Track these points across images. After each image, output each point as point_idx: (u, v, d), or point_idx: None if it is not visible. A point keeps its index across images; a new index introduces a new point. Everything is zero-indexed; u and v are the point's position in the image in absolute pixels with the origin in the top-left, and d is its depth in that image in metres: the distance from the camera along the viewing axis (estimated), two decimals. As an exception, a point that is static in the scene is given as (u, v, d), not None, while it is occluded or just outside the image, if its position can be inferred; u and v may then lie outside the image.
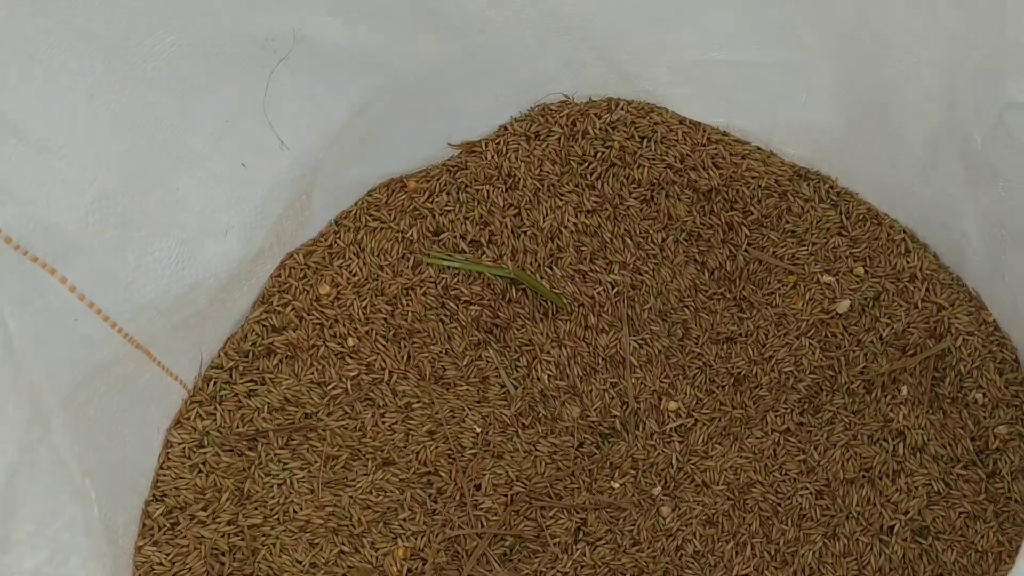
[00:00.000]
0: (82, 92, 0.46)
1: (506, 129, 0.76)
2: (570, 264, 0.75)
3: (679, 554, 0.69)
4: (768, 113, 0.72)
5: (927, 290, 0.74)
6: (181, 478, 0.64)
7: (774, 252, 0.76)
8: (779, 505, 0.71)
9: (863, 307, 0.74)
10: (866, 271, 0.75)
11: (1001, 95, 0.54)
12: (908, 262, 0.75)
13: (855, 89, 0.66)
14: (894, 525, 0.69)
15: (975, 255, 0.71)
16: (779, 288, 0.75)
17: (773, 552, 0.70)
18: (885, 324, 0.74)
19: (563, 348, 0.73)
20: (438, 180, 0.75)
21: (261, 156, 0.57)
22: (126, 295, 0.51)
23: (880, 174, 0.74)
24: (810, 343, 0.74)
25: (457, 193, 0.75)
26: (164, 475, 0.64)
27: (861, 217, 0.76)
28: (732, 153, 0.77)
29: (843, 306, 0.75)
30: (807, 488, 0.71)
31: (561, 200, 0.75)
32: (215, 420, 0.66)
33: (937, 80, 0.59)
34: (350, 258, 0.72)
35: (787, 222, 0.76)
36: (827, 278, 0.76)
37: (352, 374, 0.70)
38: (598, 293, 0.74)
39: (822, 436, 0.72)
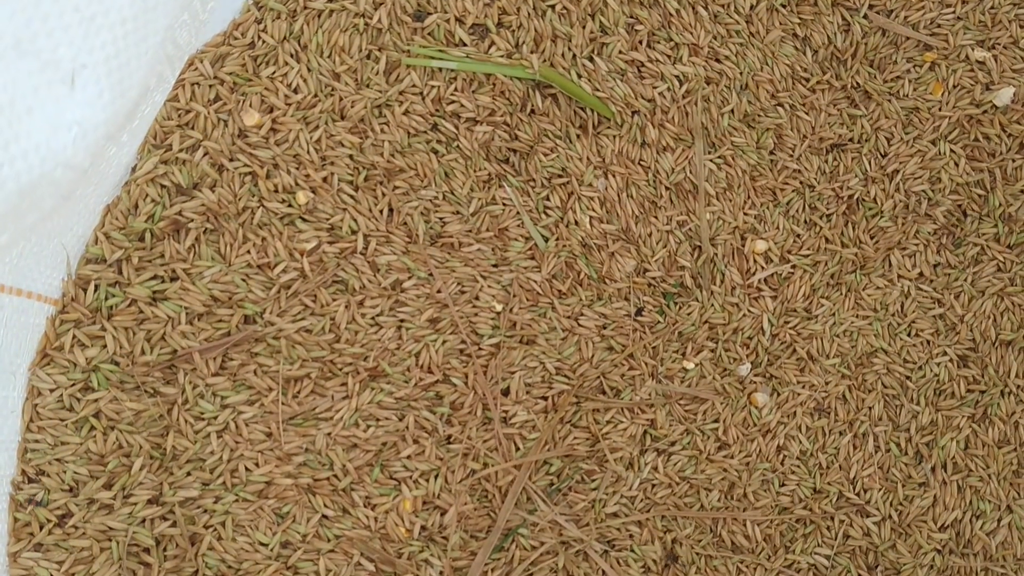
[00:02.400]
0: None
1: None
2: (620, 53, 0.50)
3: (781, 456, 0.51)
4: None
5: None
6: (63, 443, 0.42)
7: (906, 17, 0.52)
8: (909, 379, 0.52)
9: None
10: None
11: None
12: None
13: None
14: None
15: None
16: (910, 71, 0.52)
17: (903, 443, 0.52)
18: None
19: (611, 176, 0.50)
20: (412, -75, 0.48)
21: None
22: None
23: None
24: (952, 150, 0.52)
25: (446, -55, 0.48)
26: (36, 442, 0.42)
27: None
28: None
29: (1004, 96, 0.52)
30: (947, 354, 0.52)
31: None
32: (105, 346, 0.43)
33: None
34: (286, 63, 0.46)
35: None
36: (980, 53, 0.52)
37: (310, 245, 0.46)
38: (660, 94, 0.50)
39: (967, 281, 0.52)
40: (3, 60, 0.29)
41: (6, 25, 0.28)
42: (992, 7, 0.52)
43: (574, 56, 0.49)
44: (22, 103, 0.29)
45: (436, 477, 0.47)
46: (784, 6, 0.51)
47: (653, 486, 0.50)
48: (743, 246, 0.52)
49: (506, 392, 0.48)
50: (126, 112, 0.35)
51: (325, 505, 0.45)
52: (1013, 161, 0.53)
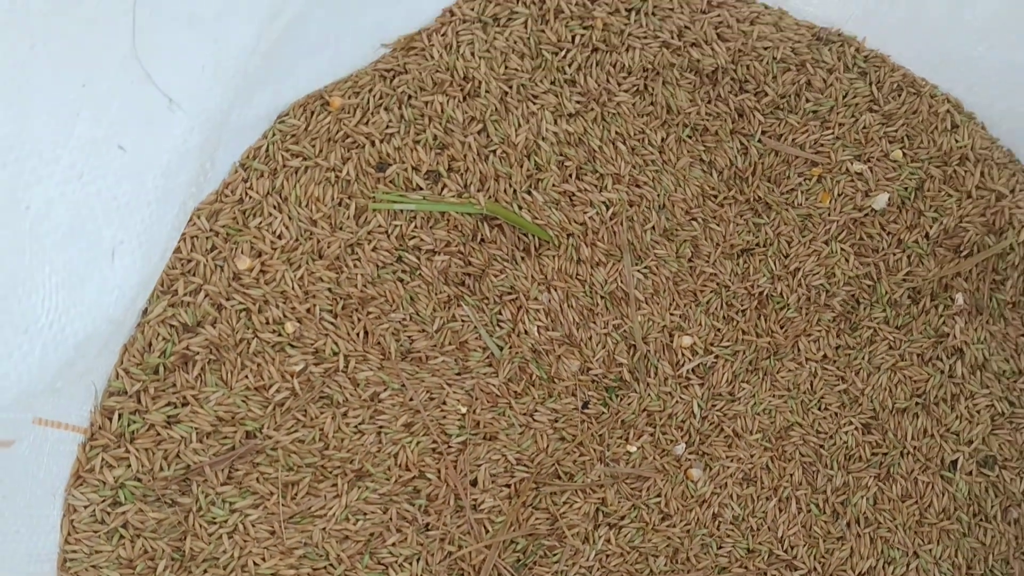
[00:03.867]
0: None
1: (453, 14, 0.58)
2: (553, 186, 0.59)
3: (716, 523, 0.59)
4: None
5: (981, 174, 0.61)
6: (97, 552, 0.49)
7: (793, 140, 0.62)
8: (822, 448, 0.60)
9: (904, 200, 0.62)
10: (905, 154, 0.62)
11: None
12: (956, 140, 0.62)
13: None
14: (956, 458, 0.60)
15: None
16: (801, 184, 0.62)
17: (821, 504, 0.60)
18: (932, 219, 0.61)
19: (553, 291, 0.59)
20: (371, 92, 0.57)
21: (144, 127, 0.38)
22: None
23: (922, 31, 0.59)
24: (842, 248, 0.61)
25: (400, 108, 0.57)
26: (74, 552, 0.48)
27: (895, 87, 0.62)
28: (739, 19, 0.60)
29: (880, 201, 0.62)
30: (852, 423, 0.60)
31: (535, 104, 0.58)
32: (129, 465, 0.50)
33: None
34: (270, 214, 0.55)
35: (807, 100, 0.61)
36: (858, 166, 0.62)
37: (298, 368, 0.54)
38: (590, 218, 0.59)
39: (864, 359, 0.61)
40: (63, 245, 0.37)
41: (63, 217, 0.36)
42: (864, 127, 0.62)
43: (515, 191, 0.58)
44: (77, 277, 0.37)
45: (418, 560, 0.54)
46: (690, 136, 0.61)
47: (607, 556, 0.57)
48: (671, 342, 0.60)
49: (474, 483, 0.56)
50: (151, 272, 0.43)
51: (323, 592, 0.52)
52: (893, 255, 0.62)
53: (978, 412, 0.60)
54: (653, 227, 0.60)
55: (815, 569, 0.59)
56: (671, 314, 0.60)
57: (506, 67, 0.58)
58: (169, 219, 0.43)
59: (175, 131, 0.40)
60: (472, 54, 0.57)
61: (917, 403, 0.61)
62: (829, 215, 0.62)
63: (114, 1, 0.35)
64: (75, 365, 0.40)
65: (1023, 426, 0.60)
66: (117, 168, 0.38)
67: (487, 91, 0.57)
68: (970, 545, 0.59)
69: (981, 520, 0.59)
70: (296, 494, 0.53)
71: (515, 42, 0.58)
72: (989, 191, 0.61)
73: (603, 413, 0.59)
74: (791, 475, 0.60)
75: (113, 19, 0.36)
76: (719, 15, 0.60)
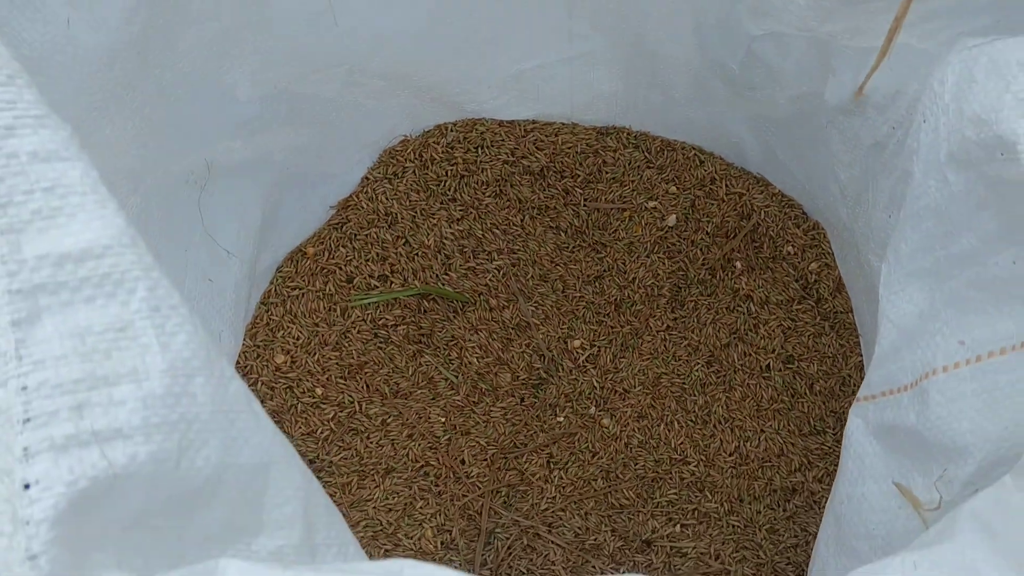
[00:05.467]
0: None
1: (368, 179, 0.91)
2: (460, 265, 0.90)
3: (628, 448, 0.87)
4: (567, 96, 0.90)
5: (726, 185, 0.95)
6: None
7: (605, 199, 0.95)
8: (684, 383, 0.90)
9: (686, 215, 0.94)
10: (677, 188, 0.95)
11: (745, 33, 0.74)
12: (704, 170, 0.95)
13: (627, 58, 0.85)
14: (768, 363, 0.90)
15: (752, 149, 0.92)
16: (620, 224, 0.94)
17: (694, 419, 0.89)
18: (707, 221, 0.94)
19: (479, 332, 0.89)
20: (330, 239, 0.89)
21: (218, 268, 0.69)
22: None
23: (662, 112, 0.94)
24: (659, 257, 0.93)
25: (351, 244, 0.89)
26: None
27: (659, 149, 0.96)
28: (546, 134, 0.94)
29: (671, 220, 0.94)
30: (698, 363, 0.91)
31: (434, 219, 0.91)
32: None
33: (689, 35, 0.79)
34: (288, 327, 0.85)
35: (607, 172, 0.95)
36: (651, 203, 0.95)
37: (330, 416, 0.83)
38: (489, 279, 0.91)
39: (694, 321, 0.92)
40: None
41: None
42: (647, 178, 0.96)
43: (436, 275, 0.90)
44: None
45: (440, 514, 0.82)
46: (539, 214, 0.94)
47: (562, 487, 0.86)
48: (567, 346, 0.91)
49: (462, 462, 0.85)
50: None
51: (384, 543, 0.79)
52: (690, 251, 0.94)
53: (773, 331, 0.91)
54: (532, 276, 0.92)
55: (701, 459, 0.88)
56: (560, 328, 0.91)
57: (409, 200, 0.91)
58: (238, 322, 0.73)
59: (232, 268, 0.71)
60: (386, 198, 0.90)
61: (734, 336, 0.91)
62: (643, 239, 0.94)
63: (188, 199, 0.67)
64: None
65: (803, 331, 0.91)
66: (210, 290, 0.69)
67: (402, 219, 0.90)
68: (795, 416, 0.89)
69: (796, 398, 0.89)
70: (351, 489, 0.81)
71: (411, 185, 0.91)
72: (734, 193, 0.95)
73: (535, 402, 0.88)
74: (669, 406, 0.89)
75: (191, 211, 0.68)
76: (534, 134, 0.94)
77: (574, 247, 0.93)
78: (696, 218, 0.94)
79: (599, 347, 0.90)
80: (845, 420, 0.88)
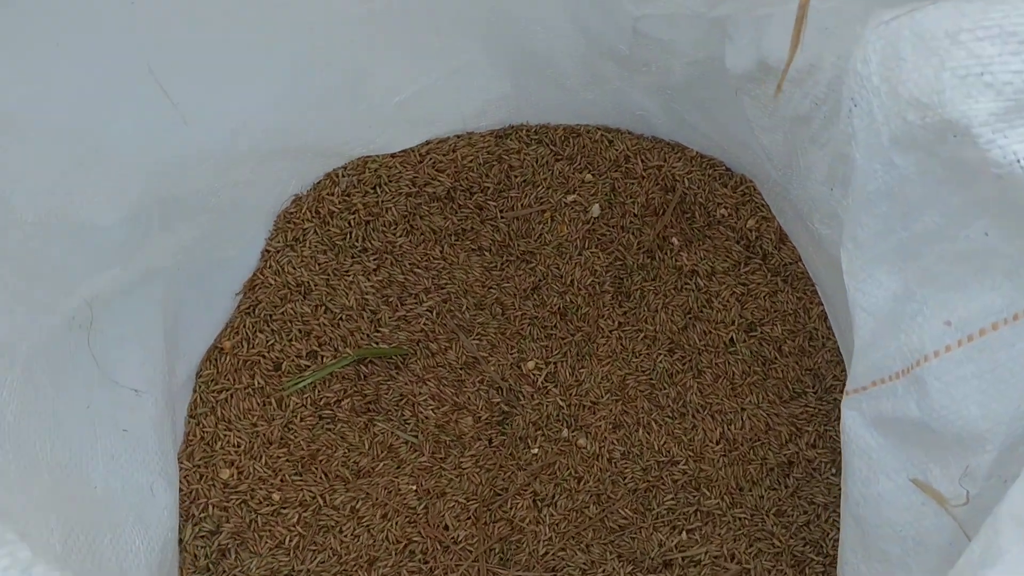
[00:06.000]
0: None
1: (269, 252, 0.83)
2: (390, 318, 0.84)
3: (612, 463, 0.83)
4: (456, 109, 0.83)
5: (642, 161, 0.89)
6: None
7: (521, 204, 0.88)
8: (651, 378, 0.85)
9: (609, 201, 0.89)
10: (593, 175, 0.89)
11: (627, 14, 0.68)
12: (616, 149, 0.90)
13: (510, 59, 0.79)
14: (731, 336, 0.86)
15: (659, 119, 0.86)
16: (544, 227, 0.88)
17: (670, 414, 0.84)
18: (631, 202, 0.89)
19: (427, 382, 0.83)
20: (245, 327, 0.82)
21: (130, 414, 0.62)
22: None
23: (558, 102, 0.87)
24: (592, 252, 0.88)
25: (268, 327, 0.82)
26: None
27: (563, 138, 0.90)
28: (443, 153, 0.88)
29: (595, 210, 0.89)
30: (660, 353, 0.86)
31: (349, 276, 0.84)
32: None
33: (568, 26, 0.72)
34: (225, 435, 0.78)
35: (516, 175, 0.89)
36: (570, 197, 0.89)
37: (294, 520, 0.77)
38: (424, 324, 0.84)
39: (645, 310, 0.87)
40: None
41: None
42: (559, 172, 0.90)
43: (367, 334, 0.83)
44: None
45: (436, 592, 0.76)
46: (457, 240, 0.87)
47: (558, 523, 0.81)
48: (522, 370, 0.85)
49: (446, 527, 0.79)
50: (174, 505, 0.66)
51: (387, 643, 0.74)
52: (623, 237, 0.89)
53: (726, 300, 0.87)
54: (466, 307, 0.86)
55: (688, 456, 0.83)
56: (510, 354, 0.85)
57: (318, 264, 0.84)
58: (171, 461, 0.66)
59: (147, 404, 0.64)
60: (293, 268, 0.83)
61: (690, 317, 0.87)
62: (571, 237, 0.88)
63: (78, 347, 0.60)
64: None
65: (756, 291, 0.87)
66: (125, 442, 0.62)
67: (316, 285, 0.83)
68: (771, 384, 0.85)
69: (768, 365, 0.85)
70: (336, 594, 0.75)
71: (315, 247, 0.84)
72: (652, 167, 0.89)
73: (505, 439, 0.83)
74: (641, 406, 0.85)
75: (83, 360, 0.60)
76: (431, 156, 0.87)
77: (502, 264, 0.87)
78: (620, 202, 0.89)
79: (555, 363, 0.85)
80: (821, 377, 0.84)
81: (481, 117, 0.88)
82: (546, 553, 0.79)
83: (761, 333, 0.86)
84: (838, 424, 0.82)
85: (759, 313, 0.86)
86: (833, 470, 0.82)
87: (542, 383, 0.84)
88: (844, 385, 0.83)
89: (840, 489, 0.80)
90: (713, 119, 0.83)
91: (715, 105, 0.81)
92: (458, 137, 0.89)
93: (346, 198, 0.85)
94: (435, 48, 0.74)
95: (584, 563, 0.79)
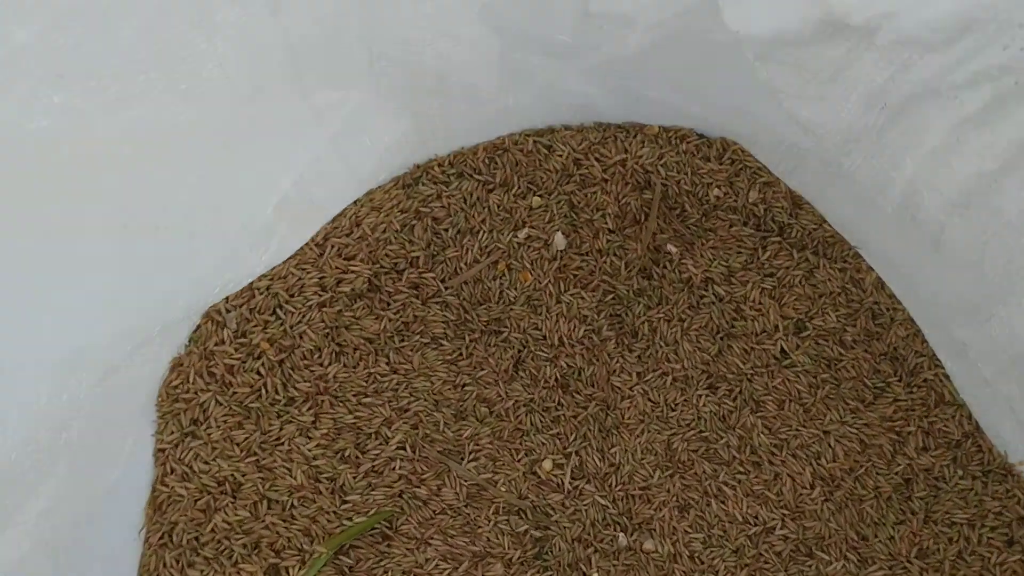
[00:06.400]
0: None
1: (162, 451, 0.59)
2: (354, 480, 0.62)
3: (695, 559, 0.64)
4: (350, 176, 0.60)
5: (597, 159, 0.68)
6: None
7: (464, 264, 0.67)
8: (701, 431, 0.66)
9: (572, 224, 0.68)
10: (540, 196, 0.68)
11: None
12: (558, 155, 0.68)
13: (406, 84, 0.57)
14: (779, 345, 0.67)
15: (602, 102, 0.66)
16: (502, 281, 0.67)
17: (741, 467, 0.65)
18: (601, 216, 0.68)
19: (430, 542, 0.62)
20: (166, 567, 0.58)
21: None
22: None
23: (469, 120, 0.65)
24: (572, 293, 0.67)
25: (198, 555, 0.58)
26: None
27: (486, 160, 0.68)
28: (346, 234, 0.65)
29: (558, 241, 0.68)
30: (701, 394, 0.66)
31: (281, 444, 0.61)
32: None
33: (478, 34, 0.50)
34: None
35: (445, 230, 0.67)
36: (522, 233, 0.68)
37: None
38: (399, 466, 0.62)
39: (662, 346, 0.67)
40: None
41: None
42: (494, 206, 0.68)
43: (335, 516, 0.60)
44: None
45: None
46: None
47: (658, 664, 0.61)
48: (538, 474, 0.64)
49: None
50: None
51: None
52: (605, 263, 0.68)
53: (758, 303, 0.67)
54: (444, 423, 0.64)
55: (783, 515, 0.64)
56: (517, 462, 0.64)
57: (236, 444, 0.60)
58: None
59: None
60: (204, 462, 0.59)
61: (721, 337, 0.67)
62: (539, 283, 0.67)
63: None
64: None
65: (792, 282, 0.67)
66: None
67: (244, 475, 0.59)
68: (847, 389, 0.66)
69: (835, 365, 0.66)
70: None
71: (223, 421, 0.60)
72: (612, 164, 0.68)
73: (551, 575, 0.62)
74: (703, 472, 0.65)
75: None
76: (333, 246, 0.64)
77: (467, 348, 0.65)
78: (587, 220, 0.68)
79: (575, 452, 0.65)
80: (902, 359, 0.66)
81: (379, 171, 0.65)
82: None
83: (814, 330, 0.67)
84: (942, 410, 0.65)
85: (802, 305, 0.67)
86: (960, 472, 0.64)
87: (570, 484, 0.64)
88: (932, 360, 0.66)
89: (978, 496, 0.63)
90: (680, 87, 0.63)
91: (684, 71, 0.60)
92: (357, 208, 0.66)
93: (242, 340, 0.61)
94: (307, 115, 0.50)
95: None
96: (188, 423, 0.60)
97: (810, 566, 0.63)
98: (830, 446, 0.65)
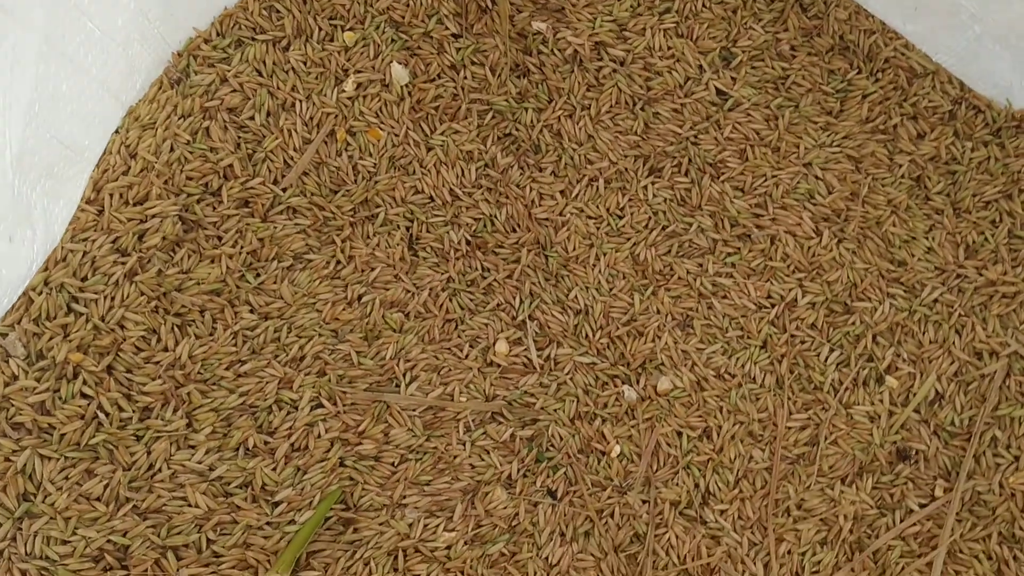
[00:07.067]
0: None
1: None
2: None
3: (718, 372, 0.50)
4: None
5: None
6: None
7: (297, 152, 0.49)
8: (673, 245, 0.51)
9: (405, 46, 0.51)
10: (351, 31, 0.51)
11: None
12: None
13: None
14: (713, 89, 0.52)
15: None
16: (351, 159, 0.50)
17: (743, 259, 0.51)
18: (435, 21, 0.51)
19: (404, 503, 0.46)
20: None
21: None
22: None
23: None
24: (445, 133, 0.51)
25: None
26: None
27: (265, 8, 0.50)
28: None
29: (399, 74, 0.52)
30: (649, 183, 0.52)
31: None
32: None
33: None
34: None
35: (260, 135, 0.49)
36: (348, 83, 0.51)
37: None
38: (327, 438, 0.46)
39: (577, 150, 0.52)
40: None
41: None
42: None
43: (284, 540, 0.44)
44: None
45: None
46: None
47: None
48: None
49: None
50: None
51: None
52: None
53: (670, 48, 0.52)
54: (364, 365, 0.48)
55: (801, 279, 0.51)
56: (466, 361, 0.49)
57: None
58: None
59: None
60: (64, 543, 0.41)
61: (642, 108, 0.52)
62: (398, 133, 0.51)
63: None
64: None
65: (699, 12, 0.53)
66: None
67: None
68: (809, 102, 0.53)
69: (785, 84, 0.53)
70: None
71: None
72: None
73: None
74: (686, 272, 0.51)
75: None
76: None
77: (345, 249, 0.49)
78: (422, 34, 0.52)
79: (528, 315, 0.50)
80: (853, 44, 0.52)
81: (131, 76, 0.46)
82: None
83: (743, 53, 0.53)
84: (919, 84, 0.52)
85: (718, 30, 0.53)
86: (968, 144, 0.52)
87: (539, 358, 0.49)
88: (885, 34, 0.53)
89: (1000, 162, 0.51)
90: None
91: None
92: (122, 132, 0.47)
93: (42, 364, 0.43)
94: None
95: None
96: (16, 504, 0.42)
97: (853, 323, 0.50)
98: (818, 178, 0.52)
